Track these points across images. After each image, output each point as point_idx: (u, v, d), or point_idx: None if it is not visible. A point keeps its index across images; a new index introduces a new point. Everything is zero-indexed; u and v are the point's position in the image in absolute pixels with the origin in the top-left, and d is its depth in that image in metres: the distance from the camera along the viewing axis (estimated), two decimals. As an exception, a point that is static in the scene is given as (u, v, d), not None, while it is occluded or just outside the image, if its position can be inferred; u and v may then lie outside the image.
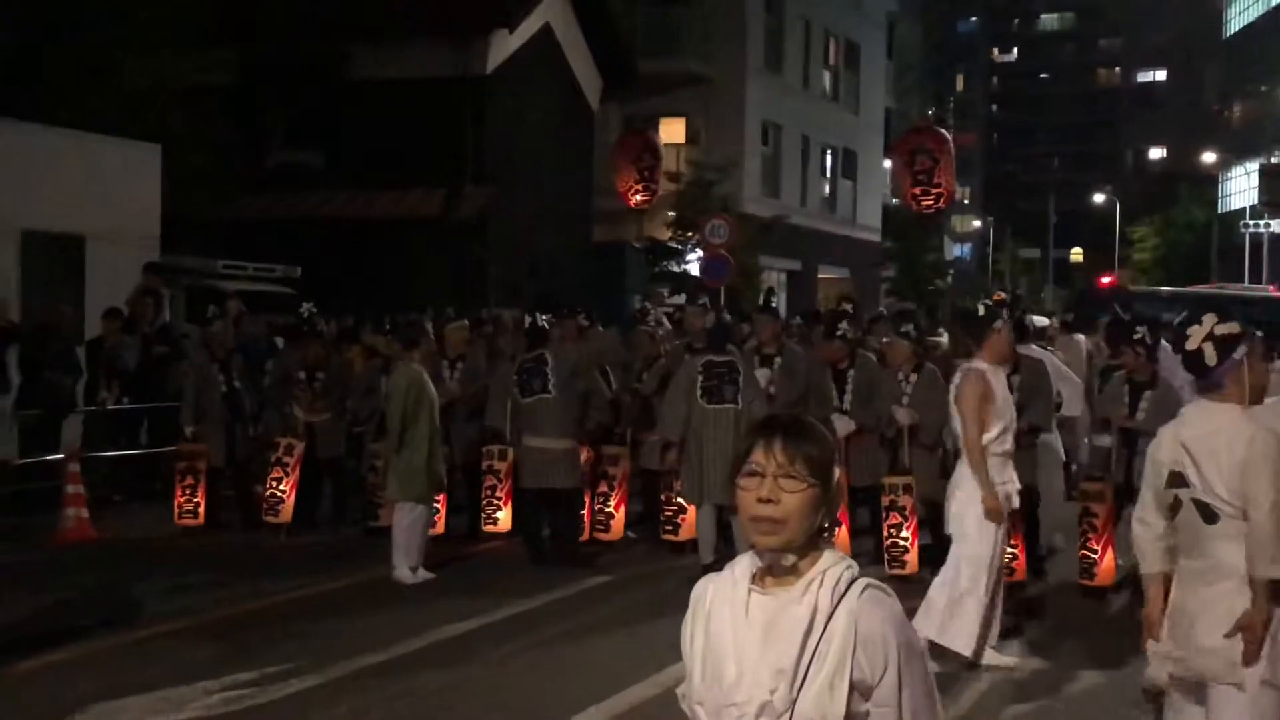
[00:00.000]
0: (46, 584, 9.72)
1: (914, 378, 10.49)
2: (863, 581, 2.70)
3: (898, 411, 10.30)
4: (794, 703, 2.62)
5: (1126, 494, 9.22)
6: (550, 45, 26.55)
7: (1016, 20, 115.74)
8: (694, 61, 33.19)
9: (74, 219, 16.12)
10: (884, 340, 11.64)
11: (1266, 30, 61.11)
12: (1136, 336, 10.00)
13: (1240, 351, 5.10)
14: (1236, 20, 68.00)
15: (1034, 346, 11.31)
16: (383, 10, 23.76)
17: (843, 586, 2.68)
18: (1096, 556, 9.73)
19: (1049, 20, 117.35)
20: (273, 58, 24.02)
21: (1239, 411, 5.05)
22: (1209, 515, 4.90)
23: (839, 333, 11.13)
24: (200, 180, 20.31)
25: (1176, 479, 5.00)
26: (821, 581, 2.68)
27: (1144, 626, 5.22)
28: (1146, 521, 5.19)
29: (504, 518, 11.45)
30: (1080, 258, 71.96)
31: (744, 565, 2.79)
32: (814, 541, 2.71)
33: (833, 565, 2.71)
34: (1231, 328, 5.15)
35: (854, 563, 2.75)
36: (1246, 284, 40.36)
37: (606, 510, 11.56)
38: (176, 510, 11.76)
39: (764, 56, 35.90)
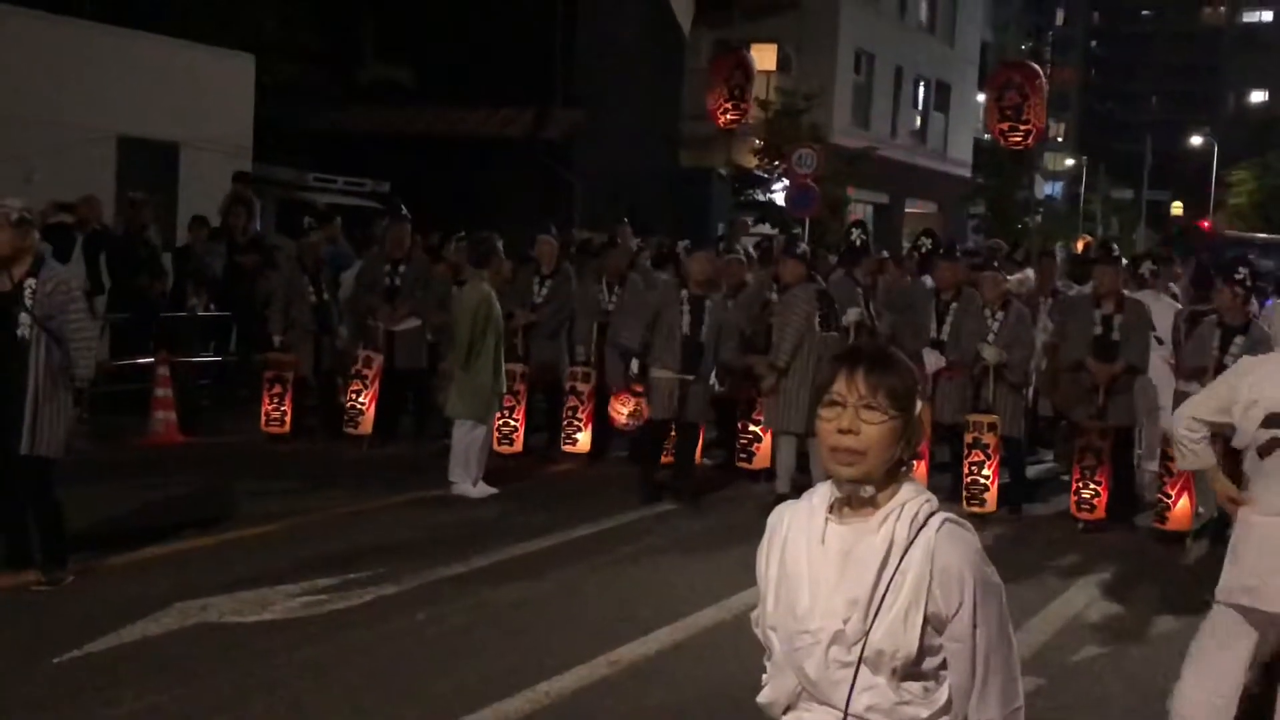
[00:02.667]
0: (135, 484, 9.92)
1: (1001, 315, 10.38)
2: (941, 515, 2.68)
3: (985, 349, 10.20)
4: (867, 633, 2.61)
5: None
6: (643, -33, 26.31)
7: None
8: (788, -13, 32.77)
9: (168, 126, 16.34)
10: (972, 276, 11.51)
11: (1382, -29, 59.08)
12: (1238, 277, 9.78)
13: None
14: (1351, -40, 65.79)
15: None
16: (478, -74, 23.64)
17: (921, 519, 2.66)
18: (1171, 501, 9.62)
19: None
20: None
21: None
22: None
23: (958, 256, 11.12)
24: (292, 92, 20.44)
25: (1275, 420, 4.92)
26: (900, 514, 2.66)
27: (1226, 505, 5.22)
28: (1194, 428, 5.22)
29: (583, 439, 11.53)
30: (1180, 210, 70.21)
31: (822, 494, 2.78)
32: (893, 474, 2.69)
33: (912, 498, 2.69)
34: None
35: (933, 496, 2.73)
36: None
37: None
38: (264, 417, 11.93)
39: (860, -17, 35.36)
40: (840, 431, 2.65)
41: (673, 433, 10.54)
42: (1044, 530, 10.11)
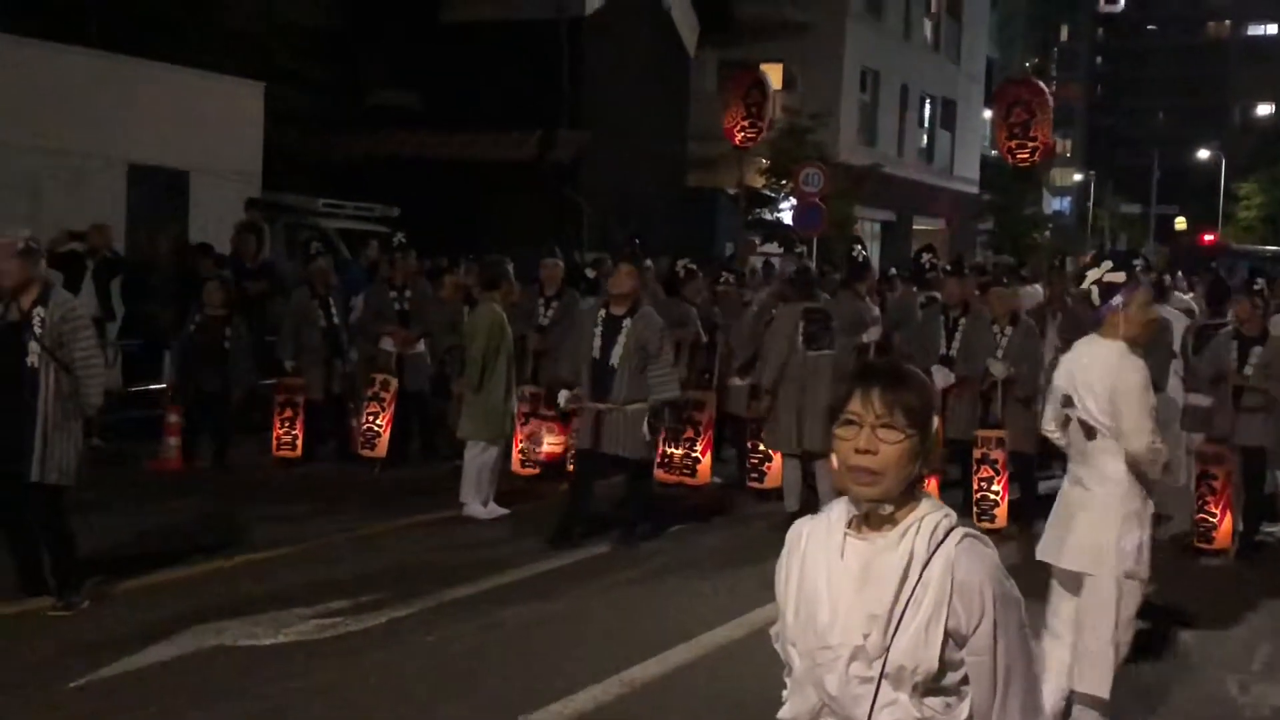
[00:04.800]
0: (146, 509, 9.95)
1: (1009, 330, 10.38)
2: (960, 530, 2.67)
3: (993, 364, 10.20)
4: (888, 649, 2.60)
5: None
6: (648, -11, 26.39)
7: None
8: (793, 6, 32.79)
9: (179, 154, 16.42)
10: (975, 293, 11.52)
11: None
12: (1256, 288, 9.84)
13: (1117, 299, 5.72)
14: (1355, -28, 65.83)
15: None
16: (482, -49, 23.76)
17: (940, 534, 2.65)
18: (1216, 520, 9.60)
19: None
20: (374, 1, 24.14)
21: (1117, 346, 5.65)
22: (1089, 432, 5.64)
23: (966, 273, 11.10)
24: (301, 119, 20.52)
25: (1067, 400, 5.76)
26: (919, 529, 2.66)
27: None
28: (1050, 430, 6.11)
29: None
30: (1184, 225, 70.09)
31: (840, 510, 2.77)
32: (911, 490, 2.69)
33: (930, 513, 2.69)
34: (1117, 276, 5.80)
35: (952, 511, 2.73)
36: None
37: (693, 455, 11.59)
38: (275, 442, 11.96)
39: (865, 2, 35.40)
40: (858, 451, 2.64)
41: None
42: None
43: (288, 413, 11.99)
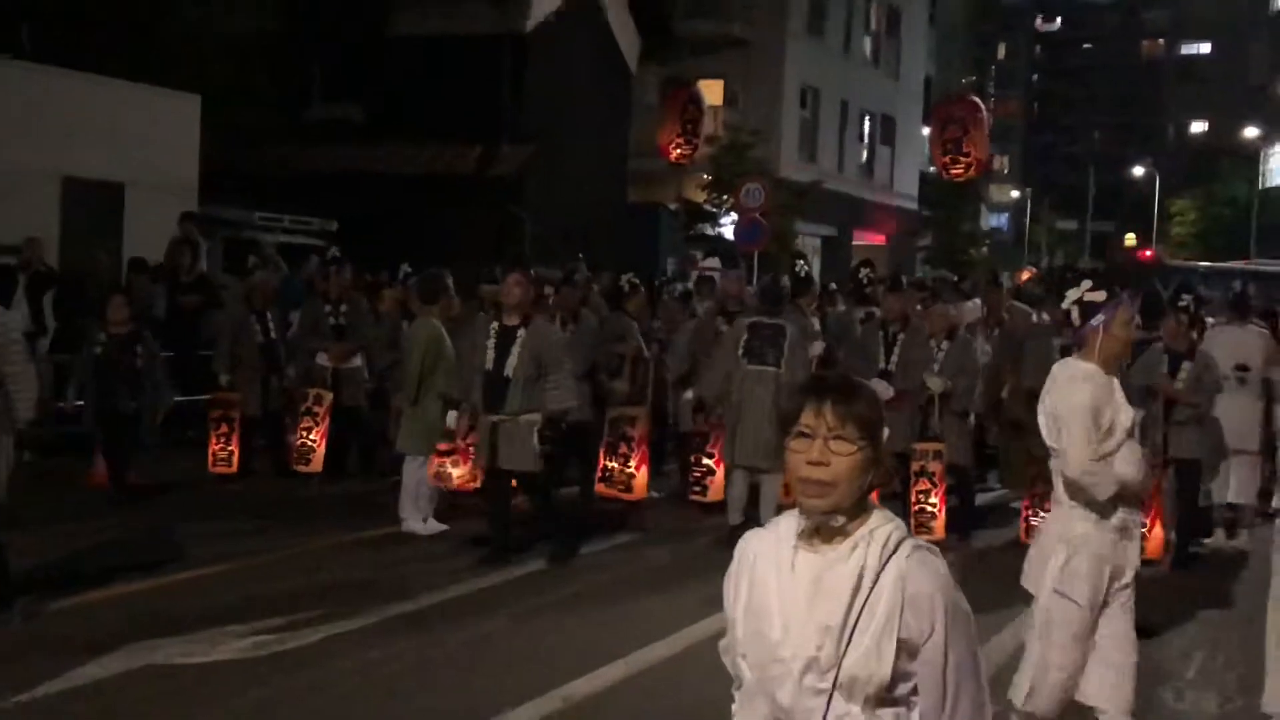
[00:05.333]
0: (80, 527, 9.81)
1: (946, 344, 10.48)
2: (911, 542, 2.69)
3: (930, 379, 10.29)
4: (841, 660, 2.62)
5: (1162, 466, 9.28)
6: (590, 4, 26.42)
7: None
8: (734, 24, 33.03)
9: (114, 167, 16.25)
10: (917, 308, 11.63)
11: (1316, 5, 60.25)
12: (1181, 304, 9.95)
13: (1098, 319, 5.54)
14: (1285, -6, 67.11)
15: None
16: (424, -35, 23.73)
17: (891, 546, 2.67)
18: (1145, 530, 9.70)
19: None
20: (314, 10, 24.02)
21: (1079, 368, 5.50)
22: (1047, 452, 5.58)
23: (904, 288, 11.17)
24: (239, 132, 20.37)
25: None
26: (870, 540, 2.67)
27: None
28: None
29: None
30: (1133, 241, 70.95)
31: (788, 524, 2.77)
32: (862, 503, 2.70)
33: (881, 525, 2.70)
34: (1097, 295, 5.62)
35: (902, 523, 2.74)
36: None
37: (627, 471, 11.56)
38: (211, 458, 11.85)
39: (805, 20, 35.71)
40: (810, 464, 2.65)
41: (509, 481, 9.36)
42: (994, 557, 10.12)
43: (223, 428, 11.88)
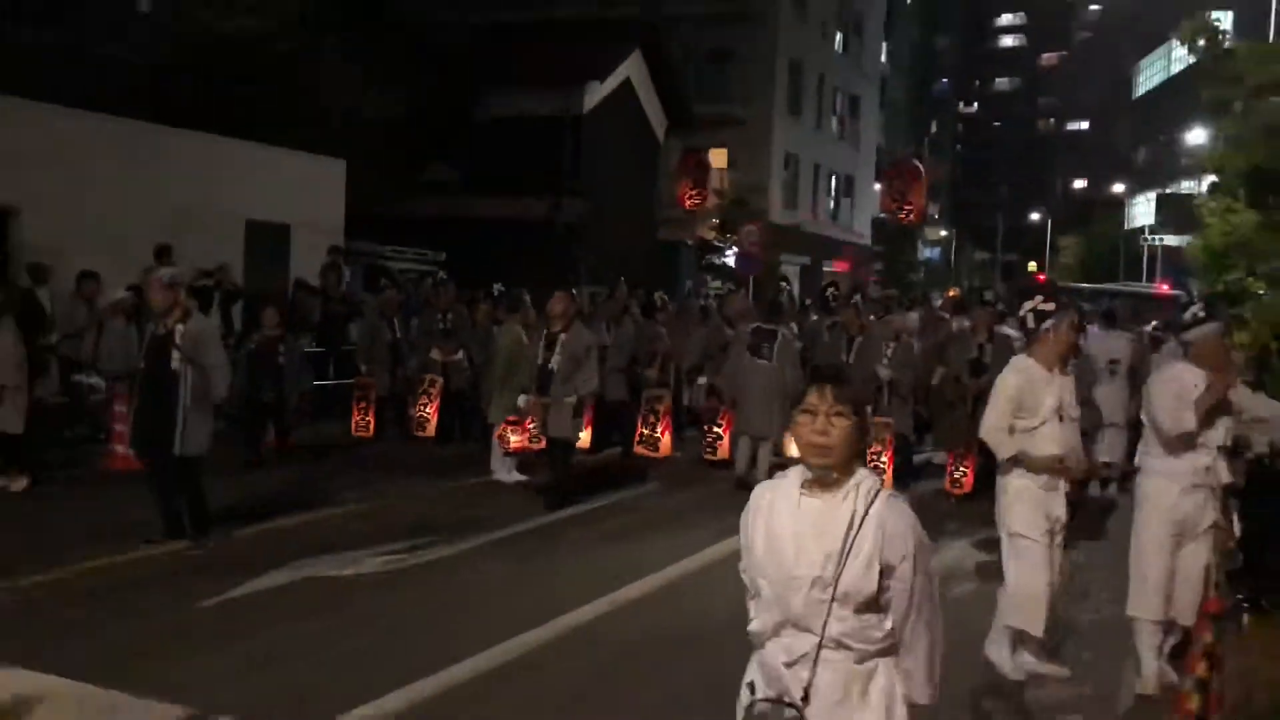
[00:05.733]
0: (258, 475, 9.88)
1: (892, 345, 10.44)
2: (886, 491, 2.72)
3: (880, 370, 10.25)
4: (838, 578, 2.63)
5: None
6: (629, 93, 26.40)
7: (978, 82, 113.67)
8: (735, 107, 32.88)
9: (283, 213, 16.42)
10: (870, 318, 11.57)
11: (1164, 95, 59.71)
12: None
13: (1049, 322, 5.30)
14: (1143, 86, 66.74)
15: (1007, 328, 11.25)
16: (508, 65, 23.74)
17: (872, 494, 2.68)
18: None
19: (1002, 83, 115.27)
20: (427, 98, 24.08)
21: (1020, 361, 5.35)
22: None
23: (853, 305, 11.12)
24: (373, 187, 20.43)
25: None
26: (858, 490, 2.69)
27: None
28: None
29: (585, 437, 11.42)
30: (1034, 267, 70.18)
31: (794, 475, 2.77)
32: (852, 462, 2.72)
33: (865, 479, 2.71)
34: (1049, 305, 5.43)
35: (878, 476, 2.76)
36: (1143, 282, 39.52)
37: (656, 436, 11.61)
38: (353, 426, 11.91)
39: (787, 105, 35.50)
40: (815, 433, 2.66)
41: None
42: (929, 502, 10.10)
43: (362, 404, 11.96)
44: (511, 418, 9.44)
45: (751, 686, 2.75)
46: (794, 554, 2.67)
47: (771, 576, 2.71)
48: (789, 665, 2.68)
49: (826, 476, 2.70)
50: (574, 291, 9.69)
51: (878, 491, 2.70)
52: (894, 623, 2.69)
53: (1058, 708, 5.25)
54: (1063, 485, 5.41)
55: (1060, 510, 5.38)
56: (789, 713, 2.64)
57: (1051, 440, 5.29)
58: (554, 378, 8.94)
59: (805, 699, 2.64)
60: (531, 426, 9.21)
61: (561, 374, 8.92)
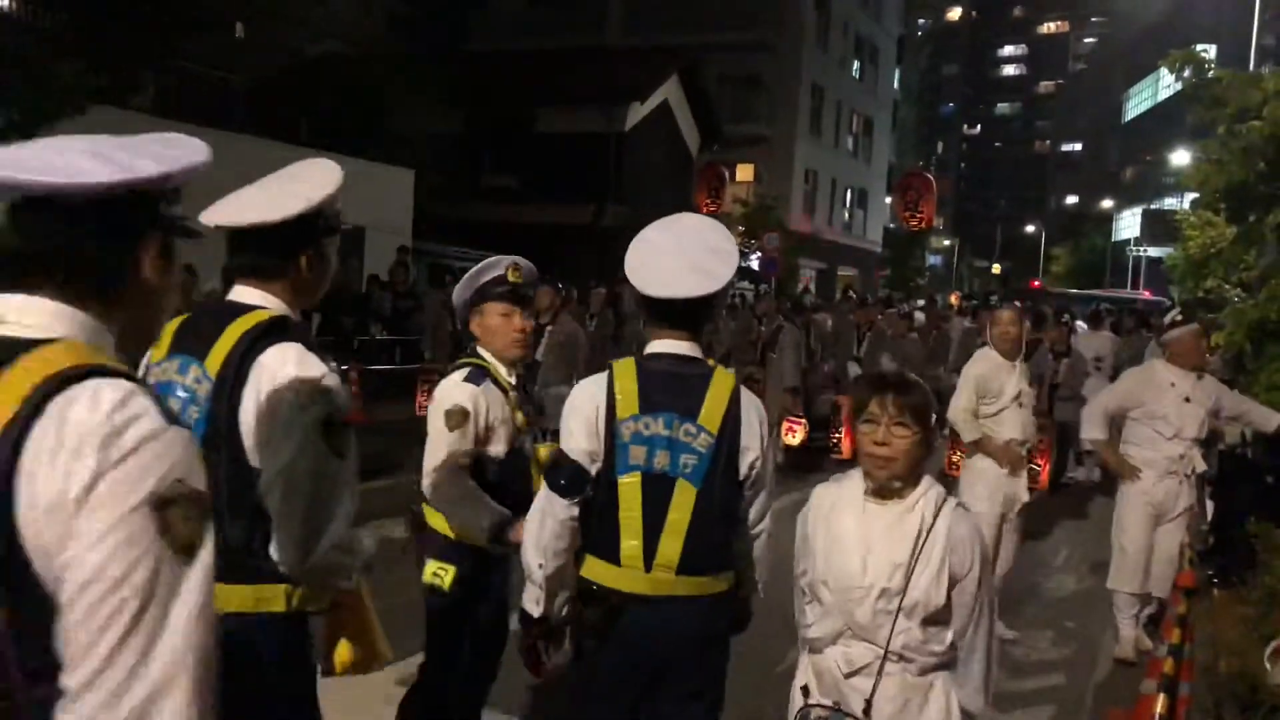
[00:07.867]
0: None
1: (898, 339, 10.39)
2: (953, 501, 2.43)
3: (885, 363, 10.21)
4: (906, 588, 2.35)
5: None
6: (667, 113, 26.40)
7: (981, 106, 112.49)
8: (760, 126, 32.76)
9: (358, 216, 16.51)
10: (879, 315, 11.53)
11: (1150, 120, 58.94)
12: (1063, 321, 9.86)
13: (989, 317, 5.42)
14: (1131, 112, 65.84)
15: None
16: (560, 87, 23.80)
17: (939, 504, 2.40)
18: (1040, 470, 9.46)
19: (1003, 108, 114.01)
20: (487, 115, 24.21)
21: (984, 352, 5.44)
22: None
23: (866, 303, 11.10)
24: (437, 194, 20.58)
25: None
26: (925, 500, 2.40)
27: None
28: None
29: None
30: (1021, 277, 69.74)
31: (856, 480, 2.48)
32: (916, 471, 2.42)
33: (930, 488, 2.43)
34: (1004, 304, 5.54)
35: (943, 488, 2.46)
36: (1128, 289, 39.01)
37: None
38: (417, 406, 11.94)
39: (808, 125, 35.32)
40: (875, 443, 2.37)
41: None
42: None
43: (426, 386, 12.01)
44: None
45: (805, 690, 2.47)
46: (860, 563, 2.39)
47: (835, 584, 2.42)
48: (848, 675, 2.40)
49: (889, 486, 2.40)
50: (559, 285, 9.33)
51: (944, 501, 2.42)
52: (954, 635, 2.41)
53: (1041, 669, 5.21)
54: (1024, 472, 5.42)
55: (1021, 492, 5.37)
56: None
57: (1012, 424, 5.34)
58: (540, 369, 8.63)
59: (866, 711, 2.36)
60: None
61: (547, 364, 8.62)
